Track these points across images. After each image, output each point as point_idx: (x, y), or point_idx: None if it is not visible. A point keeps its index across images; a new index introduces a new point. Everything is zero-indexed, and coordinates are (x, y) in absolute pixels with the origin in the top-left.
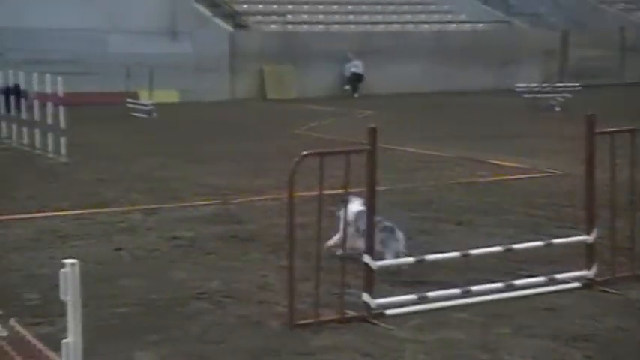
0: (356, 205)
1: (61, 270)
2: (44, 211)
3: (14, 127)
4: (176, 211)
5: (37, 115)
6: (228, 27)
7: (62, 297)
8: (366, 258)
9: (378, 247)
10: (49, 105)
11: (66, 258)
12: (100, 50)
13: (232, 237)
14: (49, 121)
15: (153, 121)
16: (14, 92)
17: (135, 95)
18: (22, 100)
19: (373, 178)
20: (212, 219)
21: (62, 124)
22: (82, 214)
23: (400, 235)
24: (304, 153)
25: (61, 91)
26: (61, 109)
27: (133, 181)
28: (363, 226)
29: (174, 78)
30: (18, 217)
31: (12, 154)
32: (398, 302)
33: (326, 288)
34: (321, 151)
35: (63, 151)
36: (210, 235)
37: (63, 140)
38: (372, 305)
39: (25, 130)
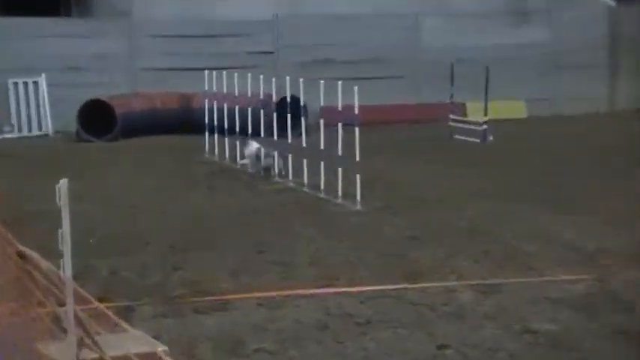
0: (254, 145)
1: None
2: (332, 285)
3: (290, 158)
4: (527, 288)
5: (321, 143)
6: (608, 0)
7: None
8: None
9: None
10: (339, 127)
11: (367, 358)
12: (407, 43)
13: (618, 333)
14: (338, 150)
15: (487, 148)
16: (292, 108)
17: (459, 109)
18: (302, 120)
19: None
20: (584, 302)
21: (357, 155)
22: (385, 289)
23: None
24: None
25: (356, 105)
26: (357, 132)
27: (459, 240)
28: (260, 155)
29: (520, 82)
30: (297, 291)
31: (287, 197)
32: None
33: None
34: None
35: (357, 194)
36: (582, 330)
37: (357, 178)
38: None
39: (304, 162)
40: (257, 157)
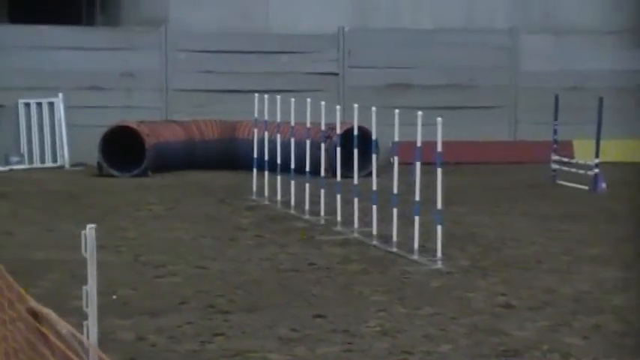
0: None
1: None
2: None
3: (356, 204)
4: None
5: (395, 186)
6: None
7: None
8: None
9: None
10: (417, 166)
11: None
12: (503, 66)
13: None
14: (416, 195)
15: (599, 198)
16: (359, 142)
17: (564, 148)
18: (372, 157)
19: None
20: None
21: (438, 202)
22: None
23: None
24: None
25: (439, 141)
26: (439, 174)
27: (564, 310)
28: None
29: (634, 116)
30: None
31: (351, 251)
32: None
33: None
34: None
35: (438, 250)
36: None
37: (439, 230)
38: None
39: (373, 209)
40: None
